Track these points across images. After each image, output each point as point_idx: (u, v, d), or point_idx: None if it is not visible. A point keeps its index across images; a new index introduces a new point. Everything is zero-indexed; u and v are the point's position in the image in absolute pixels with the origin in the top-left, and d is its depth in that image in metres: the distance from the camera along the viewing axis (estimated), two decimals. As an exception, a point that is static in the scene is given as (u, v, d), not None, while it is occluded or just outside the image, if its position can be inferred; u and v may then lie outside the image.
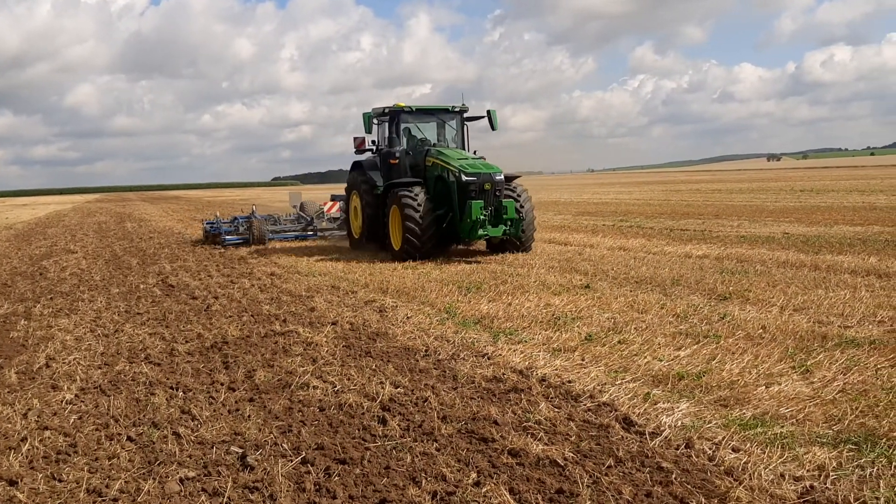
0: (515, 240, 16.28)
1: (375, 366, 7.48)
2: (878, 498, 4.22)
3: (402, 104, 17.12)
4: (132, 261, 17.94)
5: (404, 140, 17.42)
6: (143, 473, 5.07)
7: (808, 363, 6.89)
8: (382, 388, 6.67)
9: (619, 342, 8.00)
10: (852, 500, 4.22)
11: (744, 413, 5.71)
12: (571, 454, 5.09)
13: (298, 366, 7.55)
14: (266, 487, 4.76)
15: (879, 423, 5.32)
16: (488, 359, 7.61)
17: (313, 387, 6.82)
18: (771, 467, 4.70)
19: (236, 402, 6.54)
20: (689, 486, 4.53)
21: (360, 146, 18.01)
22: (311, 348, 8.29)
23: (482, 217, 15.34)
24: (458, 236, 16.08)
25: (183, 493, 4.76)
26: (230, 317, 10.34)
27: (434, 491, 4.57)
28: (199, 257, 18.30)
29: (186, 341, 8.96)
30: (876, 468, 4.62)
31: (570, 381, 6.71)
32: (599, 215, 28.65)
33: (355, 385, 6.83)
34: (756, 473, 4.62)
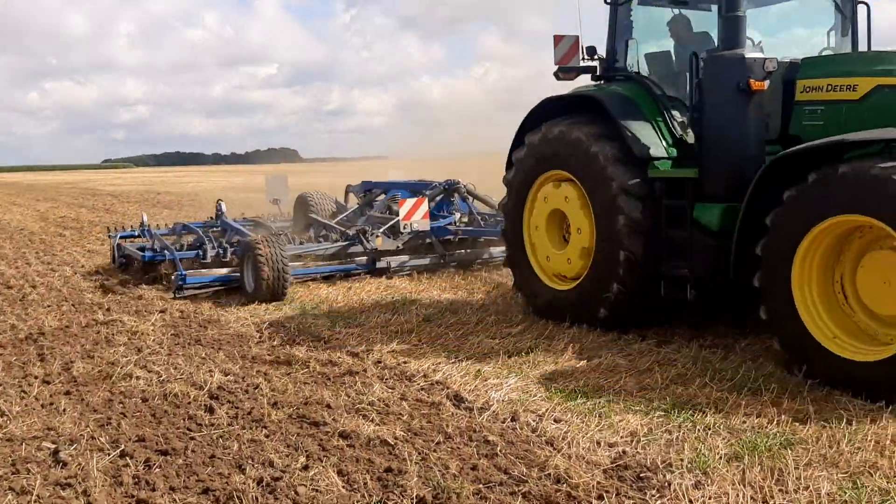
0: None
1: (205, 353, 7.24)
2: (682, 459, 4.52)
3: None
4: (-62, 249, 16.43)
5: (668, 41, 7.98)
6: (-58, 476, 4.66)
7: (627, 336, 7.28)
8: (211, 376, 6.46)
9: (454, 322, 8.15)
10: (659, 463, 4.50)
11: (567, 385, 5.96)
12: (402, 433, 5.14)
13: (122, 356, 7.18)
14: (80, 483, 4.50)
15: (686, 390, 5.71)
16: (325, 343, 7.54)
17: (136, 377, 6.51)
18: (588, 435, 4.94)
19: (51, 395, 6.14)
20: (512, 457, 4.68)
21: (568, 57, 8.07)
22: (136, 337, 7.91)
23: None
24: None
25: (-14, 494, 4.41)
26: (48, 306, 9.69)
27: (260, 477, 4.48)
28: (17, 243, 17.00)
29: (-3, 334, 8.31)
30: (682, 432, 4.95)
31: (405, 362, 6.77)
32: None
33: (182, 374, 6.58)
34: (574, 442, 4.84)
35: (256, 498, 4.21)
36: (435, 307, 8.92)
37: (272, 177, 17.14)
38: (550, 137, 7.74)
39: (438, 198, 12.47)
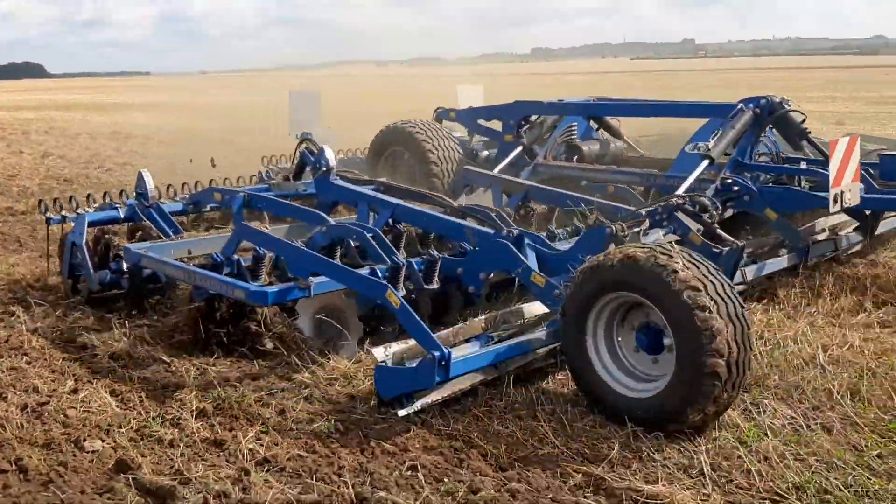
0: None
1: (-50, 283, 6.59)
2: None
3: None
4: None
5: None
6: None
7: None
8: (-42, 305, 5.92)
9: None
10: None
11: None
12: (179, 351, 5.05)
13: None
14: None
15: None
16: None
17: None
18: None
19: None
20: (298, 366, 4.75)
21: None
22: None
23: None
24: None
25: None
26: None
27: (24, 403, 4.24)
28: None
29: None
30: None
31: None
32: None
33: (-76, 306, 5.97)
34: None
35: (22, 424, 3.99)
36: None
37: (298, 94, 11.01)
38: None
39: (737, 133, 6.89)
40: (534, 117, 8.59)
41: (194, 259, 5.47)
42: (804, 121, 7.03)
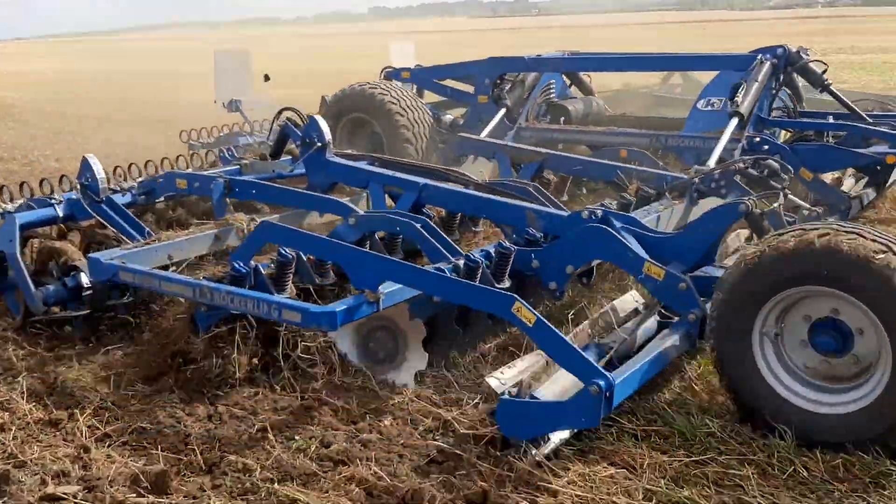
0: None
1: None
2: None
3: None
4: None
5: None
6: None
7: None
8: None
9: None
10: None
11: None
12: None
13: None
14: None
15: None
16: None
17: None
18: None
19: None
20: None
21: None
22: None
23: None
24: None
25: None
26: None
27: None
28: None
29: None
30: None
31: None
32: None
33: None
34: None
35: None
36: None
37: (225, 55, 9.91)
38: None
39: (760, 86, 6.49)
40: (509, 76, 7.95)
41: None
42: (825, 71, 6.68)
